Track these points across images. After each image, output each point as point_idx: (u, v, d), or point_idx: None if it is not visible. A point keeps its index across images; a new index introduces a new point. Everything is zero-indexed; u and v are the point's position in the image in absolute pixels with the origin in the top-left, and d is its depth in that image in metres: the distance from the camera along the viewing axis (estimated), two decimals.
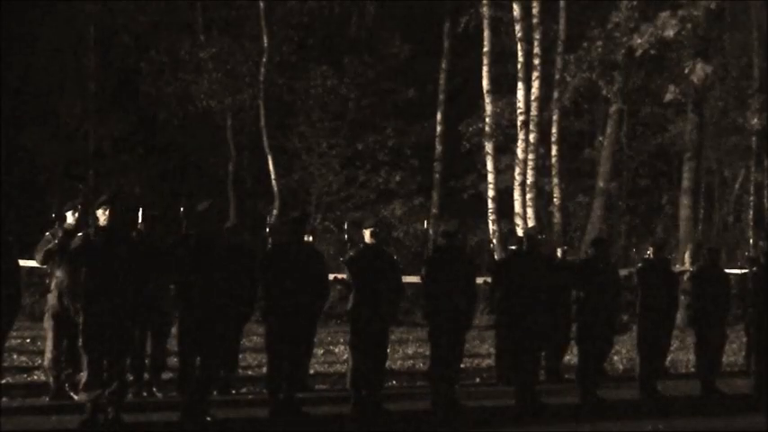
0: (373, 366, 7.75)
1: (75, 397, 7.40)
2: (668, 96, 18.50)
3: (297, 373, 7.57)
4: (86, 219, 7.46)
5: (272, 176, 19.84)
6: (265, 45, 20.06)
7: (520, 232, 16.52)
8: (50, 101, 21.26)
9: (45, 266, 7.91)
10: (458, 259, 8.23)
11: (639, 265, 9.64)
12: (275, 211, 19.54)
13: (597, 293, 8.77)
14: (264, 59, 20.11)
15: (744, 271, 10.95)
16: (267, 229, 14.26)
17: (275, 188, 19.80)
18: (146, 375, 8.20)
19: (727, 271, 10.23)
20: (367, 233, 7.90)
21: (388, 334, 8.08)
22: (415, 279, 9.64)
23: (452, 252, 8.25)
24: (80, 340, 6.74)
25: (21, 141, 20.58)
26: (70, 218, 7.83)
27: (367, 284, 7.73)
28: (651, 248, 9.65)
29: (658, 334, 9.20)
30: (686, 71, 17.68)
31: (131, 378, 7.75)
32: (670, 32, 16.91)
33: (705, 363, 9.54)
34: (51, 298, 7.86)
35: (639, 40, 17.25)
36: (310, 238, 8.41)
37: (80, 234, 6.88)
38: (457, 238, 8.42)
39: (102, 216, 6.79)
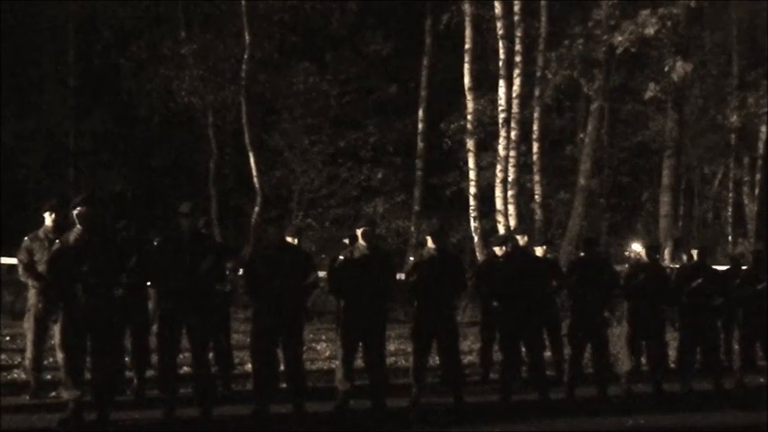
0: (368, 364, 7.85)
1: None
2: (648, 94, 18.62)
3: (296, 374, 7.60)
4: (65, 219, 7.42)
5: (254, 174, 19.73)
6: (247, 42, 19.95)
7: (501, 229, 16.55)
8: (30, 97, 21.07)
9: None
10: (444, 259, 8.25)
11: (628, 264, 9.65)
12: (257, 209, 19.47)
13: (588, 292, 8.80)
14: (246, 56, 20.01)
15: (726, 267, 10.95)
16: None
17: (257, 185, 19.72)
18: (128, 374, 8.18)
19: (715, 268, 10.23)
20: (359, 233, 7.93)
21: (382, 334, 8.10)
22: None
23: (439, 252, 8.26)
24: (57, 339, 6.72)
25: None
26: (48, 219, 7.80)
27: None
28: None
29: (647, 331, 9.17)
30: (666, 69, 17.81)
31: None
32: (650, 30, 17.00)
33: (688, 361, 9.57)
34: (31, 297, 7.82)
35: (620, 38, 17.33)
36: (296, 240, 8.37)
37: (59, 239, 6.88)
38: (443, 237, 8.45)
39: (78, 216, 6.75)
